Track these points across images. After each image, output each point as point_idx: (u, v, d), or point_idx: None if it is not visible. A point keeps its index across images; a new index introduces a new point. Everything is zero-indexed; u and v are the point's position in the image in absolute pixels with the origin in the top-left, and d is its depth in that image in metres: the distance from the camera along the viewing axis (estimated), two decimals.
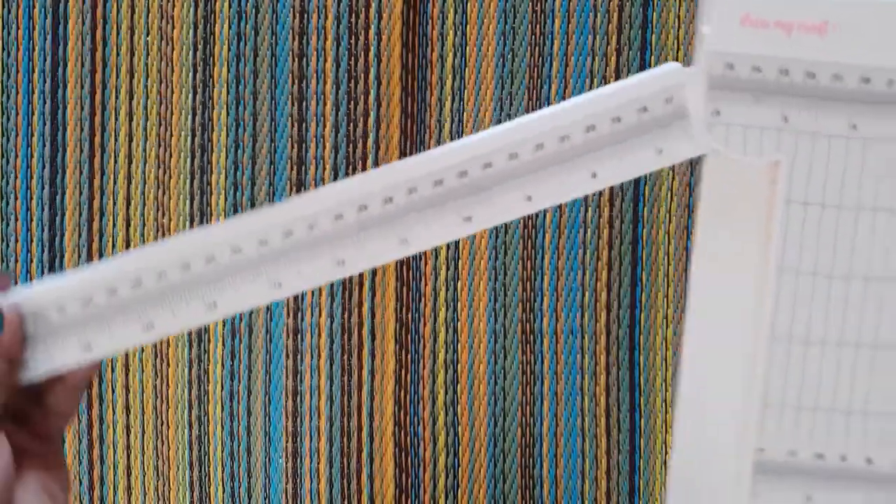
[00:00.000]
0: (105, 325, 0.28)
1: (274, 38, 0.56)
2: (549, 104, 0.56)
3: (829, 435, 0.23)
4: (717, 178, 0.24)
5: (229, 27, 0.56)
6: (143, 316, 0.28)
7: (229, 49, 0.57)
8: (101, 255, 0.57)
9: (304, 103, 0.56)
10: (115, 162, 0.57)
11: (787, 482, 0.24)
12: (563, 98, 0.56)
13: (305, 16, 0.56)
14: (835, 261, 0.23)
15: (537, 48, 0.56)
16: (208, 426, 0.57)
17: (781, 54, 0.24)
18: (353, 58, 0.56)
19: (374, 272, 0.56)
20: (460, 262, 0.56)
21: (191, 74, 0.57)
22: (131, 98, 0.57)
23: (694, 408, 0.24)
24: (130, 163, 0.57)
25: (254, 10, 0.56)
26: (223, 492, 0.57)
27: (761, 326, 0.24)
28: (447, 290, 0.56)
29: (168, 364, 0.57)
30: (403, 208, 0.25)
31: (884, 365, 0.23)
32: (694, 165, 0.57)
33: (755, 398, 0.24)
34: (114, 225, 0.57)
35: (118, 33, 0.57)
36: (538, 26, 0.56)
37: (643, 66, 0.56)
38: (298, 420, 0.57)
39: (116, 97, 0.57)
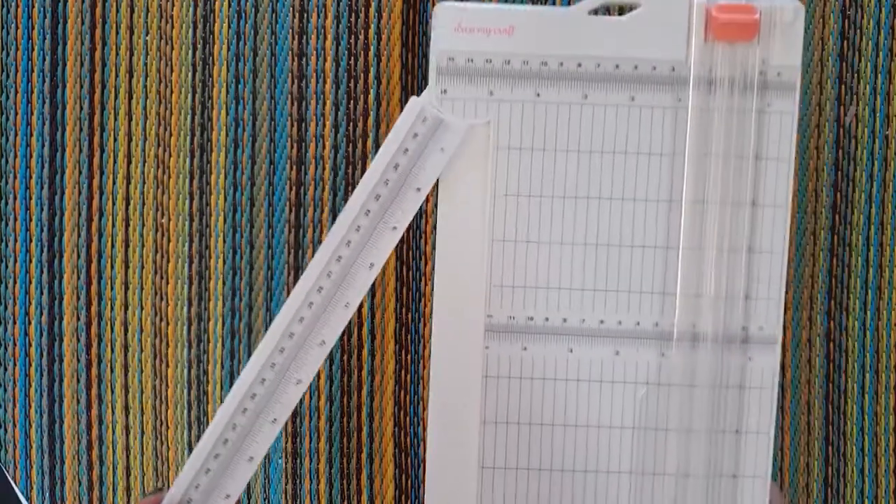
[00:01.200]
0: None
1: (273, 37, 0.56)
2: None
3: (536, 303, 0.35)
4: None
5: (228, 27, 0.56)
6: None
7: (228, 48, 0.56)
8: (100, 255, 0.57)
9: (303, 103, 0.56)
10: (115, 162, 0.57)
11: (509, 338, 0.35)
12: None
13: (305, 15, 0.56)
14: (531, 186, 0.35)
15: None
16: (208, 426, 0.57)
17: (485, 49, 0.34)
18: (352, 57, 0.56)
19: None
20: None
21: (190, 74, 0.56)
22: (130, 98, 0.57)
23: (447, 291, 0.35)
24: (130, 163, 0.57)
25: (253, 10, 0.56)
26: None
27: (488, 233, 0.35)
28: None
29: (167, 364, 0.57)
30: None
31: (573, 257, 0.35)
32: None
33: (486, 281, 0.35)
34: (113, 225, 0.57)
35: (117, 33, 0.57)
36: None
37: None
38: (298, 420, 0.57)
39: (116, 97, 0.57)
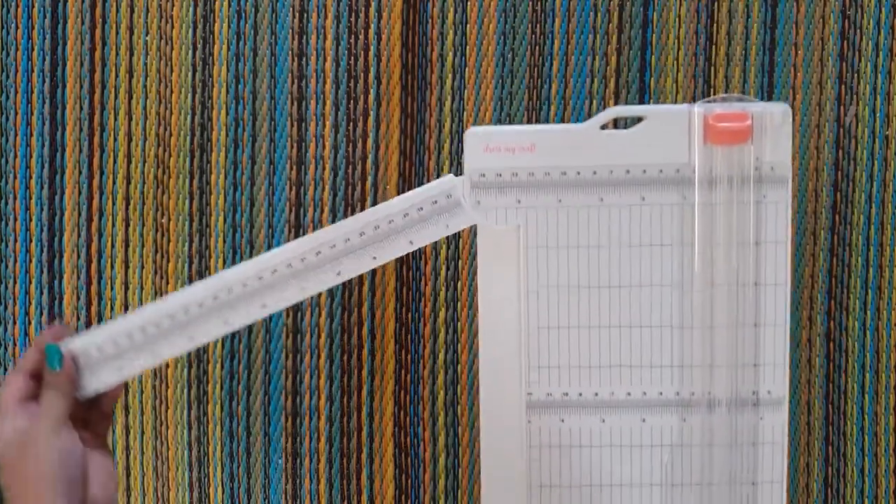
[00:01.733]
0: (129, 356, 0.41)
1: (273, 37, 0.56)
2: (548, 103, 0.56)
3: (570, 380, 0.39)
4: (488, 239, 0.40)
5: (228, 26, 0.56)
6: (155, 350, 0.41)
7: (228, 48, 0.56)
8: (100, 255, 0.57)
9: (303, 103, 0.56)
10: (115, 162, 0.57)
11: (548, 412, 0.39)
12: (563, 97, 0.56)
13: (305, 15, 0.56)
14: (559, 278, 0.39)
15: (537, 48, 0.56)
16: (208, 426, 0.57)
17: (511, 165, 0.39)
18: (352, 57, 0.56)
19: (373, 272, 0.56)
20: (460, 262, 0.56)
21: (190, 74, 0.56)
22: (130, 98, 0.57)
23: (491, 374, 0.40)
24: (130, 162, 0.57)
25: (253, 10, 0.56)
26: (223, 492, 0.57)
27: (523, 321, 0.40)
28: (447, 290, 0.56)
29: (167, 364, 0.57)
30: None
31: (600, 338, 0.39)
32: None
33: (524, 361, 0.40)
34: (113, 225, 0.57)
35: (117, 33, 0.57)
36: (538, 26, 0.56)
37: (643, 66, 0.56)
38: (298, 420, 0.56)
39: (115, 97, 0.57)
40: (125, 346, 0.41)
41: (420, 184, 0.55)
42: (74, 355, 0.41)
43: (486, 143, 0.39)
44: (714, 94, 0.56)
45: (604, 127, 0.39)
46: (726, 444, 0.39)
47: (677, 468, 0.39)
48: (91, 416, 0.42)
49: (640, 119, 0.38)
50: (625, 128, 0.39)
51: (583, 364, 0.39)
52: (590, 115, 0.56)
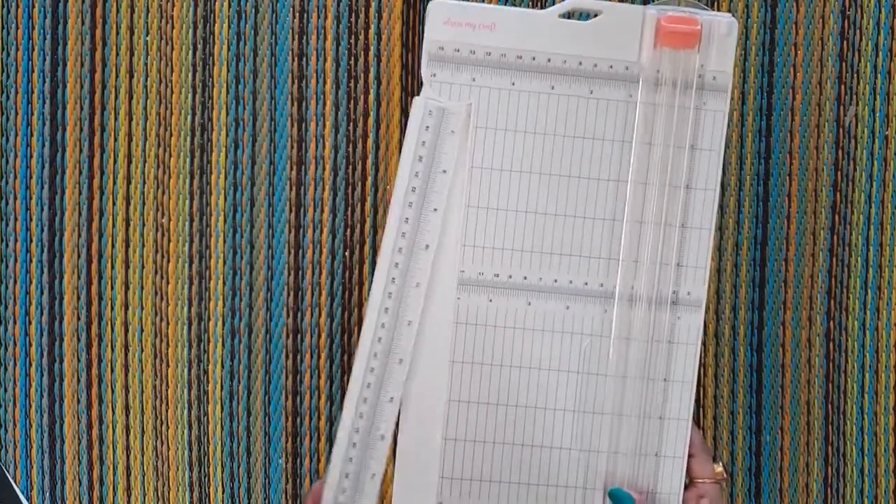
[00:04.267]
0: None
1: (274, 37, 0.56)
2: None
3: (502, 262, 0.40)
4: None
5: (229, 27, 0.56)
6: None
7: (229, 49, 0.57)
8: (100, 255, 0.57)
9: (304, 103, 0.56)
10: (115, 162, 0.57)
11: (477, 290, 0.40)
12: None
13: (305, 16, 0.56)
14: (502, 161, 0.40)
15: None
16: (208, 426, 0.57)
17: (470, 41, 0.39)
18: (353, 57, 0.56)
19: (372, 272, 0.56)
20: None
21: (190, 74, 0.57)
22: (131, 98, 0.57)
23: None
24: (130, 163, 0.57)
25: (253, 10, 0.56)
26: (223, 492, 0.57)
27: (464, 199, 0.40)
28: None
29: (168, 364, 0.57)
30: None
31: (535, 224, 0.40)
32: None
33: (460, 240, 0.40)
34: (114, 225, 0.57)
35: (118, 33, 0.57)
36: None
37: None
38: (298, 420, 0.57)
39: (116, 97, 0.57)
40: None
41: None
42: None
43: (447, 15, 0.40)
44: None
45: (564, 17, 0.39)
46: (643, 340, 0.40)
47: (594, 358, 0.40)
48: None
49: (596, 14, 0.39)
50: (584, 20, 0.40)
51: (515, 247, 0.40)
52: None
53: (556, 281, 0.40)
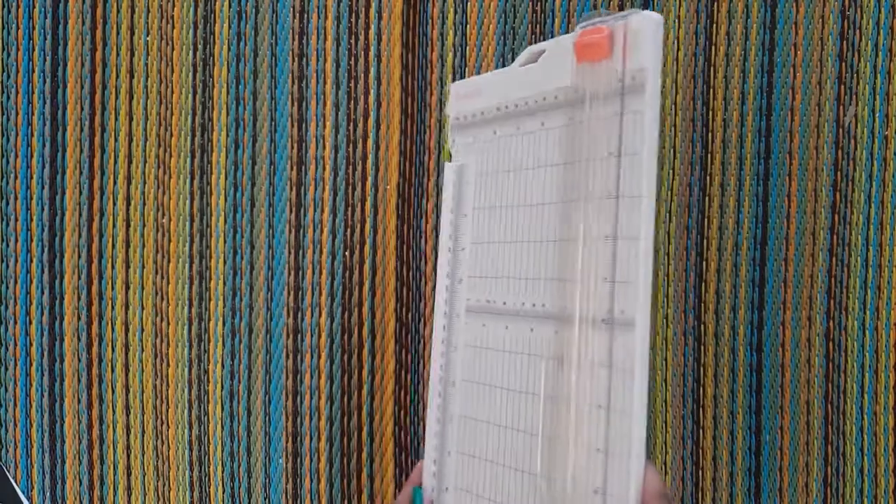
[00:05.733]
0: None
1: (274, 38, 0.56)
2: None
3: (493, 289, 0.42)
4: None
5: (229, 27, 0.56)
6: None
7: (229, 49, 0.57)
8: (100, 256, 0.57)
9: (304, 103, 0.56)
10: (115, 162, 0.57)
11: (476, 316, 0.43)
12: None
13: (305, 16, 0.56)
14: (485, 199, 0.43)
15: None
16: (208, 426, 0.57)
17: (468, 109, 0.44)
18: (353, 58, 0.56)
19: (373, 272, 0.56)
20: None
21: (191, 74, 0.57)
22: (131, 98, 0.57)
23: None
24: (130, 163, 0.57)
25: (254, 10, 0.56)
26: (223, 492, 0.57)
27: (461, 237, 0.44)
28: None
29: (168, 364, 0.57)
30: None
31: (527, 255, 0.41)
32: (694, 165, 0.57)
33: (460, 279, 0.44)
34: (114, 225, 0.57)
35: (118, 33, 0.57)
36: (538, 27, 0.56)
37: None
38: (298, 420, 0.57)
39: (116, 97, 0.57)
40: None
41: (420, 183, 0.56)
42: None
43: (458, 91, 0.45)
44: (714, 94, 0.56)
45: (523, 65, 0.42)
46: (575, 364, 0.38)
47: (556, 380, 0.39)
48: None
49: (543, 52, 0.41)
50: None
51: (501, 275, 0.42)
52: None
53: (523, 304, 0.41)
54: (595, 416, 0.37)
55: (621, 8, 0.56)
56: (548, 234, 0.40)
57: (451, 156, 0.45)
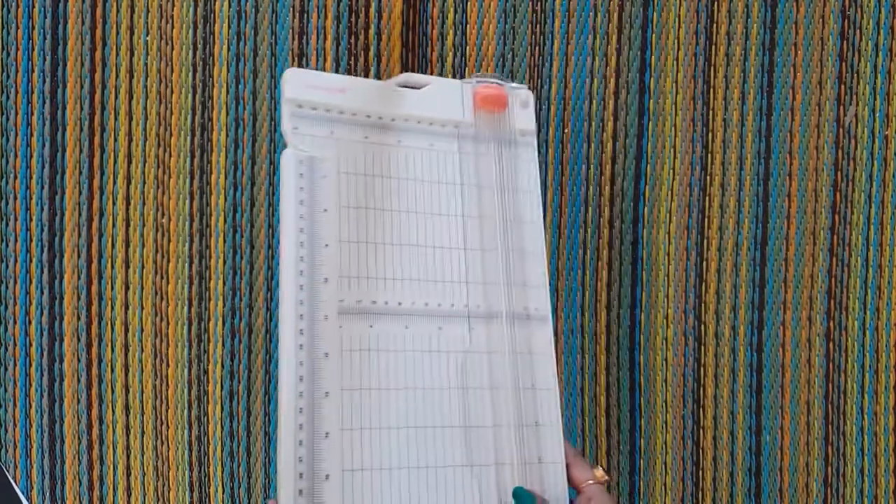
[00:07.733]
0: None
1: (274, 37, 0.56)
2: (548, 103, 0.56)
3: (377, 290, 0.44)
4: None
5: (229, 27, 0.56)
6: None
7: (229, 49, 0.57)
8: (100, 255, 0.57)
9: None
10: (115, 162, 0.57)
11: (357, 318, 0.43)
12: (563, 97, 0.56)
13: (305, 16, 0.56)
14: (366, 201, 0.45)
15: (537, 48, 0.56)
16: (208, 426, 0.57)
17: (325, 102, 0.45)
18: (353, 58, 0.56)
19: None
20: None
21: (190, 74, 0.57)
22: (131, 98, 0.57)
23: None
24: (130, 163, 0.57)
25: (253, 10, 0.56)
26: (223, 492, 0.57)
27: (337, 230, 0.44)
28: None
29: (168, 364, 0.57)
30: None
31: (401, 255, 0.45)
32: (694, 165, 0.57)
33: (337, 272, 0.44)
34: (114, 225, 0.57)
35: (118, 33, 0.57)
36: (538, 26, 0.56)
37: (643, 66, 0.56)
38: None
39: (116, 97, 0.57)
40: None
41: None
42: None
43: (302, 81, 0.45)
44: (714, 94, 0.56)
45: (402, 86, 0.47)
46: (505, 353, 0.44)
47: (470, 373, 0.44)
48: None
49: (425, 85, 0.47)
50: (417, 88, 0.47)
51: (388, 276, 0.44)
52: (589, 116, 0.56)
53: (426, 304, 0.44)
54: (528, 396, 0.45)
55: (619, 32, 0.56)
56: (438, 239, 0.45)
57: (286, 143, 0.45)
